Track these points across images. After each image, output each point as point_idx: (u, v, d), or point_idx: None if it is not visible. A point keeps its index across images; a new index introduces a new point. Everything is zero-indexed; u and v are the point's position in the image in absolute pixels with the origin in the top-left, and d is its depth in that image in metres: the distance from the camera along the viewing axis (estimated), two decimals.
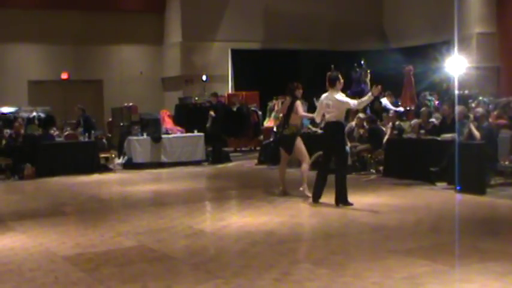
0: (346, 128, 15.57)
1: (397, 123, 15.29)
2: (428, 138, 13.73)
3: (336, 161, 10.85)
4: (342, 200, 10.63)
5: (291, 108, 11.91)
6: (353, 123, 15.92)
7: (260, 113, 22.81)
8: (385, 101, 19.59)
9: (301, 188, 11.71)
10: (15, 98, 22.52)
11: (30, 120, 19.63)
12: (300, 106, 11.87)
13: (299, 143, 11.89)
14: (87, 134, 17.61)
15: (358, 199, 11.11)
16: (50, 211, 11.45)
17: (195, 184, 14.89)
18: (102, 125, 22.56)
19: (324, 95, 10.94)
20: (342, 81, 10.91)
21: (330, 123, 10.79)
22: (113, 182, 15.61)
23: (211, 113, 19.05)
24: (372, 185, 13.33)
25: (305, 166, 11.83)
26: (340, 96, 10.82)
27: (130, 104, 20.94)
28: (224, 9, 25.48)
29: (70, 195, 13.39)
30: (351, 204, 10.59)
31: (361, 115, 15.76)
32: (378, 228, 9.02)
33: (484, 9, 22.33)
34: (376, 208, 10.52)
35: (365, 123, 15.70)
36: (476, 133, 12.23)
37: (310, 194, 11.26)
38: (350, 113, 15.72)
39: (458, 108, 13.60)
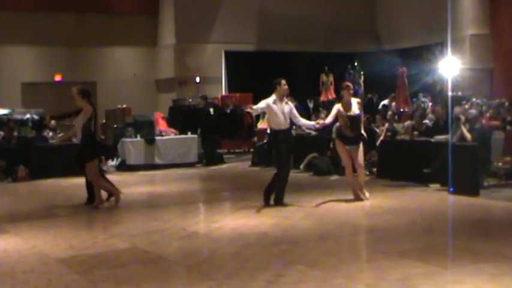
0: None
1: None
2: (422, 139, 13.74)
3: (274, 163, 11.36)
4: (278, 200, 10.93)
5: None
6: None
7: (254, 114, 22.76)
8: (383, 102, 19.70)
9: None
10: (9, 100, 22.45)
11: (23, 122, 19.56)
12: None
13: None
14: None
15: (352, 201, 11.12)
16: (44, 213, 11.42)
17: (188, 186, 14.88)
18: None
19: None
20: (283, 85, 11.09)
21: (271, 129, 11.24)
22: None
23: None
24: (365, 187, 13.29)
25: None
26: (264, 101, 11.21)
27: (124, 106, 20.92)
28: (218, 11, 25.47)
29: (64, 197, 13.36)
30: (286, 205, 10.84)
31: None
32: (371, 230, 9.04)
33: (477, 10, 22.41)
34: (370, 209, 10.56)
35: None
36: (468, 135, 12.20)
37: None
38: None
39: (456, 109, 13.63)
